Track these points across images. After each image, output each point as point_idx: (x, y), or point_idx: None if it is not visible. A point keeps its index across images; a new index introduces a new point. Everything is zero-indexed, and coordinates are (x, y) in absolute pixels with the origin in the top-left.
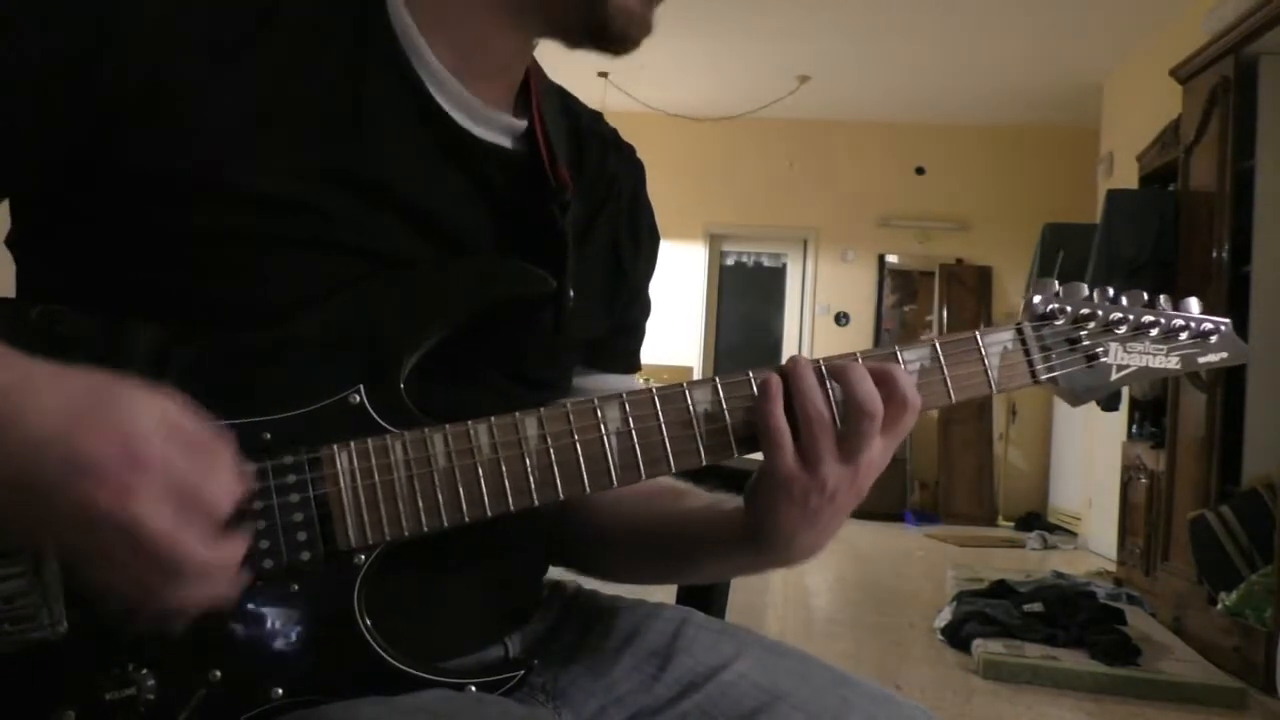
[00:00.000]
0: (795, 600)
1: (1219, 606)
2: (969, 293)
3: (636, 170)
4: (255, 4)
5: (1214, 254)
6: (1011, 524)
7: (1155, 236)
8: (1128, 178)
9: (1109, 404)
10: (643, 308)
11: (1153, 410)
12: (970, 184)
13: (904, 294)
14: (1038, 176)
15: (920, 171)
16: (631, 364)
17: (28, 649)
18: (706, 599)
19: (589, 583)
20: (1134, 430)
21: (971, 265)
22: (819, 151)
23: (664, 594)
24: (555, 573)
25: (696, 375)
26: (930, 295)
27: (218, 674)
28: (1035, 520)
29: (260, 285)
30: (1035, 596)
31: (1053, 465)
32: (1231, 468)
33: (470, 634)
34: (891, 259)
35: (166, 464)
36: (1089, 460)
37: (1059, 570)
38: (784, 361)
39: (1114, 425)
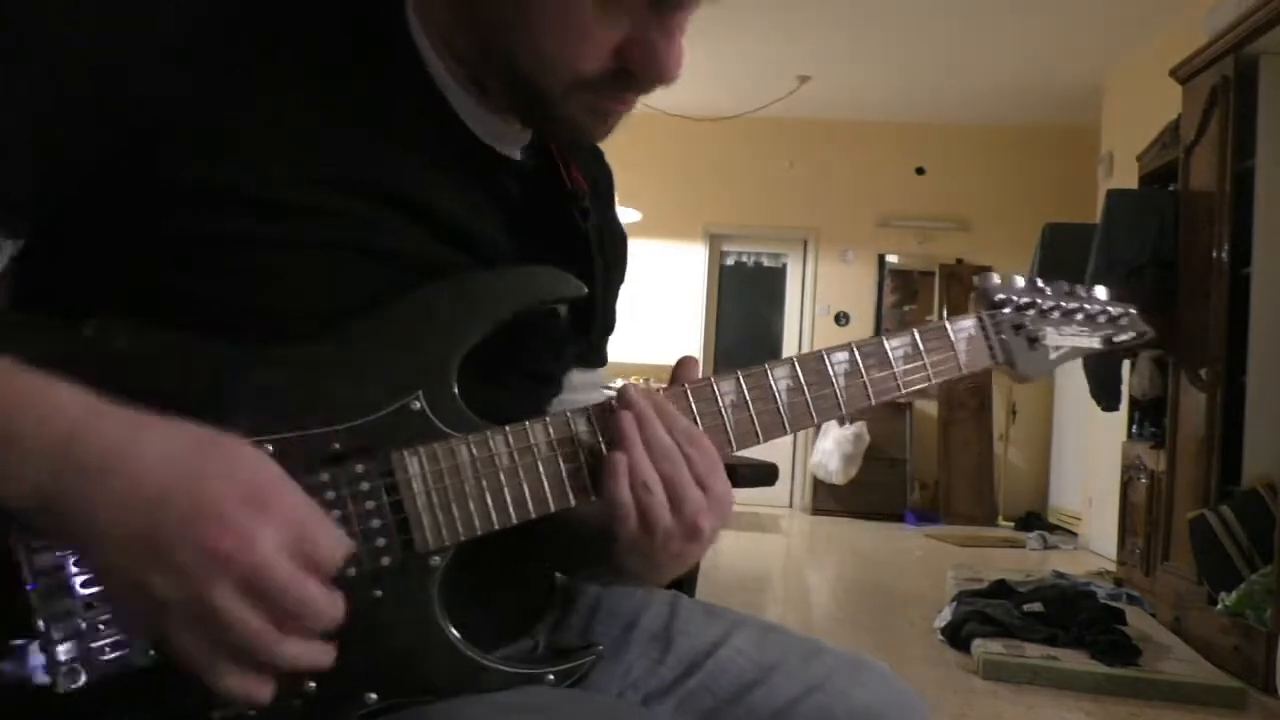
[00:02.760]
0: (795, 600)
1: (1219, 606)
2: (969, 293)
3: (610, 174)
4: (281, 14)
5: (1214, 254)
6: (1011, 524)
7: (1155, 236)
8: (1128, 178)
9: (1109, 404)
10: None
11: (1153, 410)
12: (970, 184)
13: (904, 294)
14: (1038, 176)
15: (920, 171)
16: (605, 359)
17: (123, 674)
18: (678, 581)
19: None
20: (1134, 430)
21: (971, 265)
22: (819, 151)
23: None
24: None
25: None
26: (930, 295)
27: (312, 685)
28: (1035, 520)
29: (293, 292)
30: (1035, 596)
31: (1053, 465)
32: (1231, 468)
33: (508, 628)
34: (891, 259)
35: (288, 511)
36: (1089, 460)
37: (1059, 570)
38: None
39: (1114, 425)
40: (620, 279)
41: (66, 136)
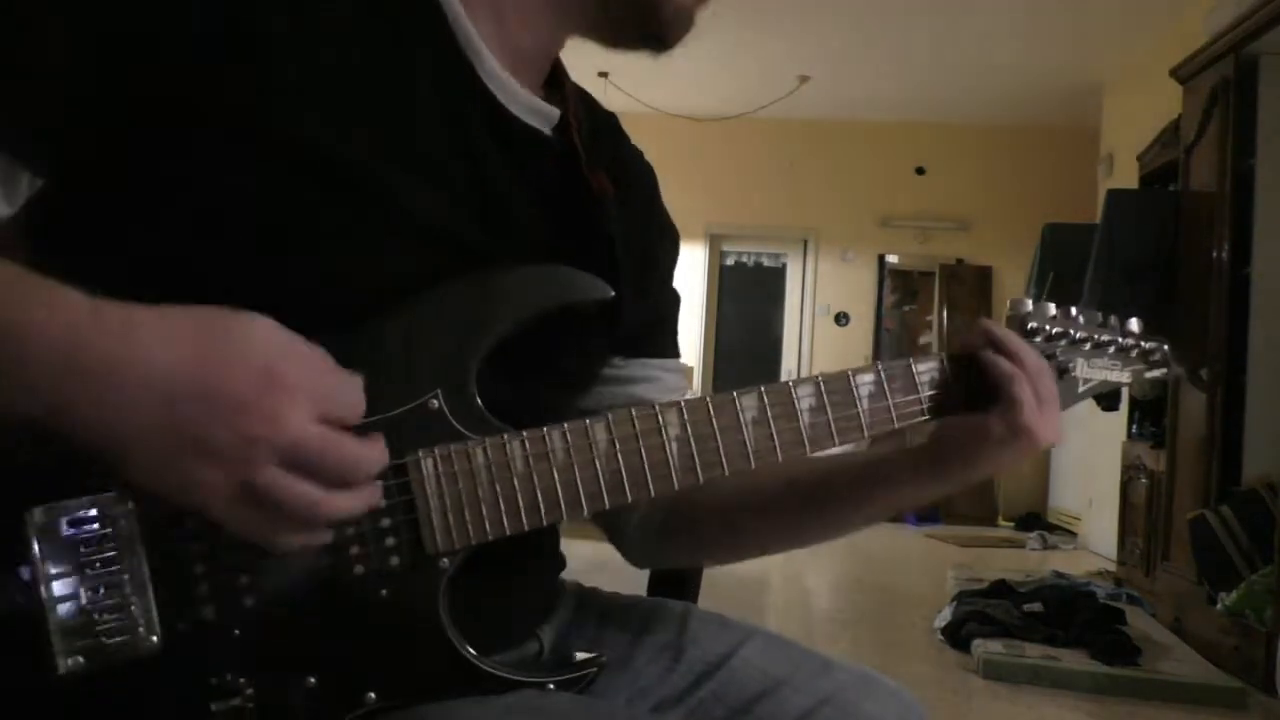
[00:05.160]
0: (795, 600)
1: (1219, 606)
2: (969, 293)
3: (651, 173)
4: None
5: (1214, 254)
6: (1011, 524)
7: (1155, 237)
8: (1128, 178)
9: (1109, 404)
10: (672, 300)
11: (1153, 410)
12: (970, 184)
13: (904, 294)
14: (1038, 176)
15: (920, 171)
16: (673, 349)
17: (126, 663)
18: (681, 589)
19: (589, 579)
20: (1134, 430)
21: (971, 265)
22: (819, 151)
23: (636, 583)
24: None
25: (696, 375)
26: (930, 295)
27: (312, 680)
28: (1035, 520)
29: (320, 260)
30: (1035, 596)
31: (1053, 465)
32: (1231, 468)
33: (511, 631)
34: (891, 259)
35: (303, 380)
36: (1089, 460)
37: (1059, 570)
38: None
39: (1114, 425)
40: (666, 274)
41: (102, 72)
